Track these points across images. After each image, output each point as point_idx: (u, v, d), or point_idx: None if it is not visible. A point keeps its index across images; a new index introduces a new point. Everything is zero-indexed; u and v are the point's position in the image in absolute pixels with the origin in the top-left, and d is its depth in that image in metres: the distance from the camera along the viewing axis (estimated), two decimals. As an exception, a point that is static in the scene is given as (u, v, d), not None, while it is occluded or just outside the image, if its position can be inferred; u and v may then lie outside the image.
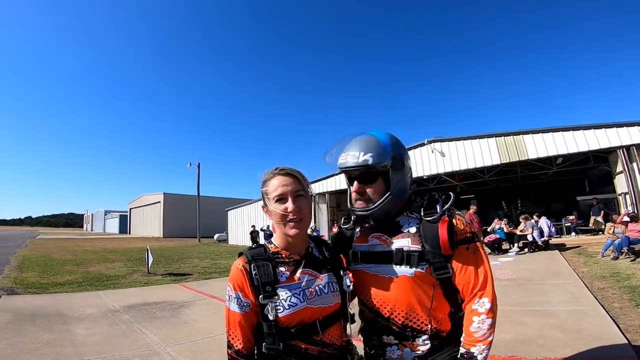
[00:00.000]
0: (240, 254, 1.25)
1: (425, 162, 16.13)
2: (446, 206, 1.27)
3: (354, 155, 1.26)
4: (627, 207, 11.29)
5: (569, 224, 14.67)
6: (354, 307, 1.36)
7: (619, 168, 12.07)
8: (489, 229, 12.61)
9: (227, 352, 1.18)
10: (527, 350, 3.28)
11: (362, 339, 1.43)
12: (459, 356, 1.21)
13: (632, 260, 7.94)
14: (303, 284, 1.19)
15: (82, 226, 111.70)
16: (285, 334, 1.14)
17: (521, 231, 11.74)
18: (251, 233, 19.87)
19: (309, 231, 1.30)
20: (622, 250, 8.38)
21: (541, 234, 11.50)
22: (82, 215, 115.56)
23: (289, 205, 1.19)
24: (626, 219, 9.08)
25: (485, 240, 11.58)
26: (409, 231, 1.29)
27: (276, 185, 1.21)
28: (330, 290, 1.23)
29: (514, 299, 5.25)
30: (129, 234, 53.06)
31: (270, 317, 1.12)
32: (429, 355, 1.26)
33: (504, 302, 4.97)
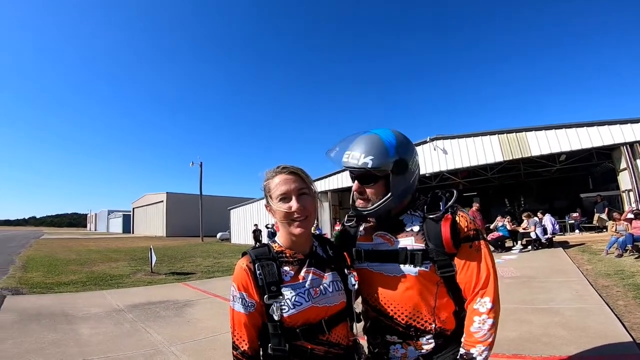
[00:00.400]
0: (244, 254, 1.24)
1: (428, 159, 16.08)
2: (449, 204, 1.26)
3: (355, 157, 1.25)
4: (631, 204, 11.22)
5: (573, 221, 14.60)
6: (358, 306, 1.35)
7: (623, 165, 11.99)
8: (491, 227, 12.56)
9: (233, 353, 1.17)
10: (531, 349, 3.27)
11: (366, 338, 1.43)
12: (458, 357, 1.20)
13: (636, 258, 7.88)
14: (307, 283, 1.18)
15: (85, 226, 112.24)
16: (291, 334, 1.13)
17: (524, 229, 11.70)
18: (254, 232, 19.89)
19: (312, 229, 1.29)
20: (627, 248, 8.32)
21: (544, 231, 11.45)
22: (86, 215, 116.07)
23: (293, 204, 1.18)
24: (630, 215, 9.01)
25: (489, 238, 11.54)
26: (412, 229, 1.29)
27: (279, 184, 1.20)
28: (335, 289, 1.22)
29: (518, 297, 5.23)
30: (133, 233, 53.31)
31: (276, 317, 1.11)
32: (433, 354, 1.26)
33: (508, 300, 4.95)
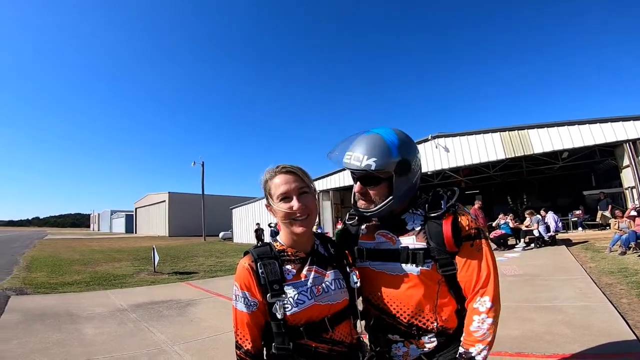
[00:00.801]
0: (245, 253, 1.24)
1: (430, 157, 16.05)
2: (451, 202, 1.25)
3: (357, 158, 1.23)
4: (634, 201, 11.16)
5: (576, 219, 14.54)
6: (359, 304, 1.35)
7: (626, 162, 11.94)
8: (493, 224, 12.53)
9: (236, 352, 1.17)
10: (534, 347, 3.26)
11: (367, 335, 1.42)
12: (457, 356, 1.20)
13: (639, 255, 7.85)
14: (310, 281, 1.18)
15: (88, 226, 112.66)
16: (294, 333, 1.13)
17: (527, 226, 11.66)
18: (256, 231, 19.89)
19: (313, 228, 1.29)
20: (630, 245, 8.28)
21: (547, 229, 11.41)
22: (89, 215, 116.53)
23: (295, 203, 1.17)
24: (633, 213, 8.96)
25: (491, 236, 11.51)
26: (414, 228, 1.28)
27: (279, 184, 1.20)
28: (337, 287, 1.22)
29: (521, 295, 5.21)
30: (135, 233, 53.46)
31: (279, 316, 1.11)
32: (435, 352, 1.26)
33: (511, 298, 4.94)
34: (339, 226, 1.63)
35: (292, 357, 1.13)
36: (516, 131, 13.93)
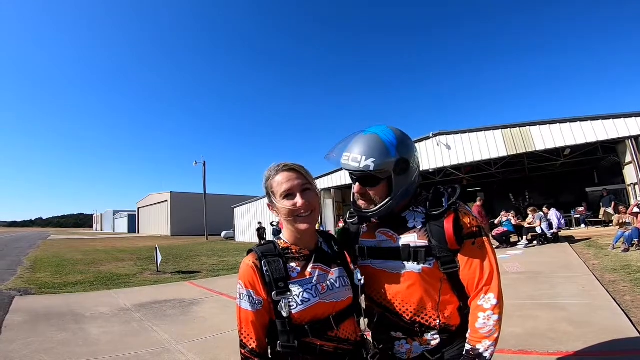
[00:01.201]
0: (249, 251, 1.23)
1: (431, 155, 16.02)
2: (452, 200, 1.25)
3: (355, 159, 1.23)
4: (636, 198, 11.11)
5: (579, 216, 14.50)
6: (362, 302, 1.35)
7: (628, 158, 11.90)
8: (496, 222, 12.50)
9: (240, 351, 1.16)
10: (537, 344, 3.26)
11: (370, 333, 1.43)
12: (464, 353, 1.20)
13: (643, 252, 7.82)
14: (314, 279, 1.18)
15: (91, 226, 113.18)
16: (299, 331, 1.13)
17: (529, 224, 11.63)
18: (258, 230, 19.93)
19: (316, 226, 1.29)
20: (633, 242, 8.25)
21: (550, 226, 11.37)
22: (92, 215, 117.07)
23: (298, 200, 1.17)
24: (636, 209, 8.92)
25: (494, 233, 11.49)
26: (415, 226, 1.28)
27: (281, 181, 1.20)
28: (342, 284, 1.22)
29: (524, 293, 5.21)
30: (138, 233, 53.64)
31: (284, 314, 1.11)
32: (439, 349, 1.26)
33: (514, 296, 4.94)
34: (341, 225, 1.60)
35: (297, 355, 1.13)
36: (518, 128, 13.89)
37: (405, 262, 1.24)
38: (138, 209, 59.34)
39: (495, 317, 1.17)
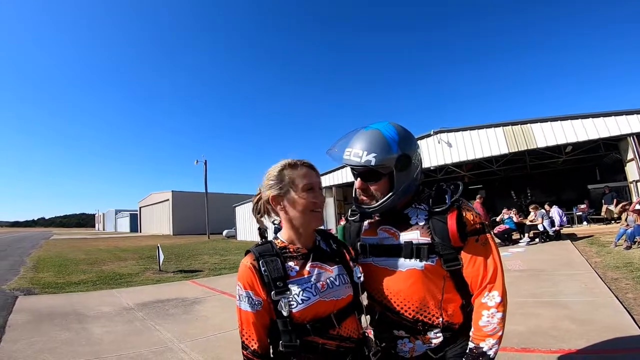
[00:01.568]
0: (247, 252, 1.23)
1: (432, 153, 15.98)
2: (455, 197, 1.24)
3: (356, 154, 1.23)
4: (638, 195, 11.07)
5: (580, 213, 14.45)
6: (363, 299, 1.35)
7: (630, 155, 11.84)
8: (497, 219, 12.48)
9: (243, 353, 1.16)
10: (540, 342, 3.26)
11: (372, 331, 1.42)
12: (467, 351, 1.19)
13: (645, 249, 7.80)
14: (313, 277, 1.17)
15: (94, 226, 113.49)
16: (301, 330, 1.12)
17: (531, 221, 11.60)
18: (259, 228, 19.89)
19: None
20: (635, 240, 8.23)
21: (552, 223, 11.34)
22: (94, 215, 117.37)
23: (319, 196, 1.22)
24: (638, 207, 8.89)
25: (495, 231, 11.46)
26: (417, 223, 1.27)
27: (305, 174, 1.21)
28: (341, 282, 1.22)
29: (526, 290, 5.20)
30: (140, 232, 53.80)
31: (284, 313, 1.10)
32: (442, 347, 1.25)
33: (516, 294, 4.93)
34: (342, 222, 1.62)
35: (300, 354, 1.13)
36: (519, 125, 13.82)
37: (407, 259, 1.24)
38: (140, 208, 59.47)
39: (499, 315, 1.16)
